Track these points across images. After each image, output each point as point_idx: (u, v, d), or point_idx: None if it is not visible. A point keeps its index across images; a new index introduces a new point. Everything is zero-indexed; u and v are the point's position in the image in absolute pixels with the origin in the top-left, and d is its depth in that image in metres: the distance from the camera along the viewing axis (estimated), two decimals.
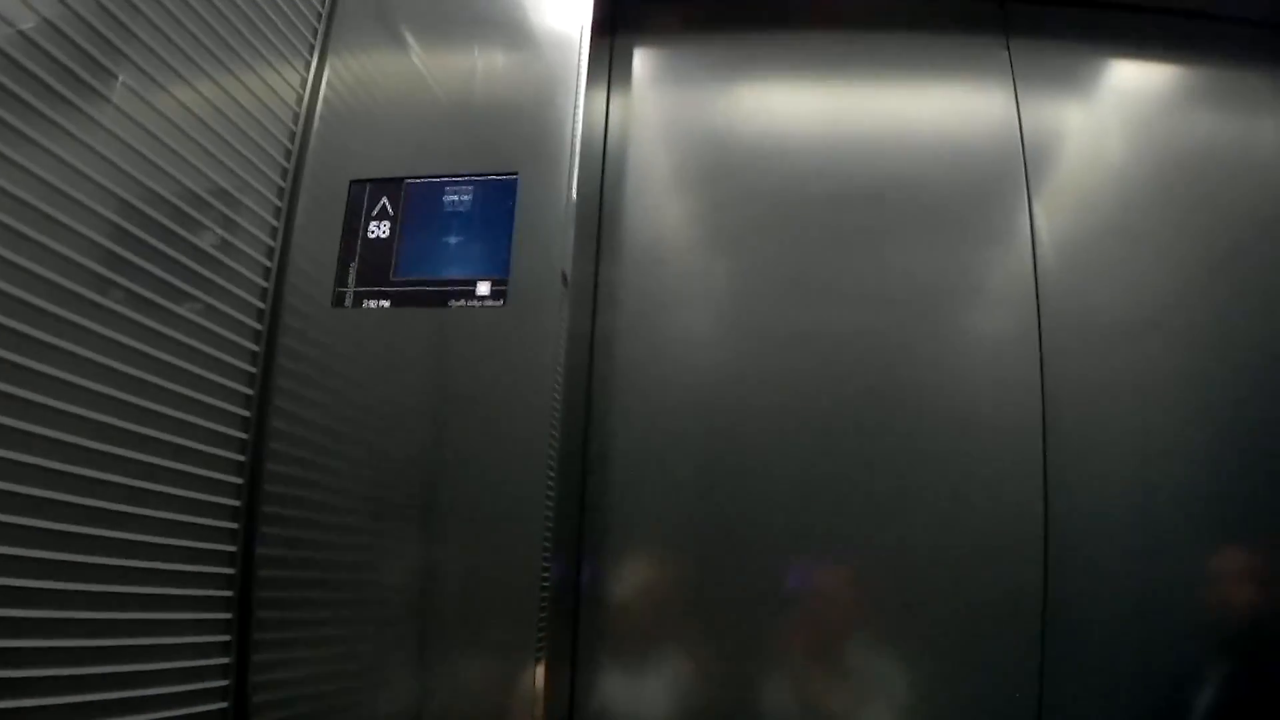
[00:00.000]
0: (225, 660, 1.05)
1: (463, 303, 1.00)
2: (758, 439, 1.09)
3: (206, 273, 1.00)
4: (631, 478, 1.09)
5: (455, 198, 1.03)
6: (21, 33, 0.77)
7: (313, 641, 1.03)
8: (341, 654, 1.02)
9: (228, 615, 1.04)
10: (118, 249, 0.89)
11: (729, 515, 1.08)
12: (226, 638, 1.04)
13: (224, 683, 1.04)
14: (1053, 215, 1.24)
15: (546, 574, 0.96)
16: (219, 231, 1.03)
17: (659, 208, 1.17)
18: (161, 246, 0.94)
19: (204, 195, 1.01)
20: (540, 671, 0.98)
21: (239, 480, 1.04)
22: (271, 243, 1.07)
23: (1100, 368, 1.20)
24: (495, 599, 0.98)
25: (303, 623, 1.03)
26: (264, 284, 1.06)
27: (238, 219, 1.05)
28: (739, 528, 1.08)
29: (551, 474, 0.98)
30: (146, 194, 0.93)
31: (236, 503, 1.04)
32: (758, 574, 1.07)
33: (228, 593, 1.04)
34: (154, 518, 0.95)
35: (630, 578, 1.07)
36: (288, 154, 1.10)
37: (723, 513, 1.08)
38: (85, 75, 0.84)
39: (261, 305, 1.06)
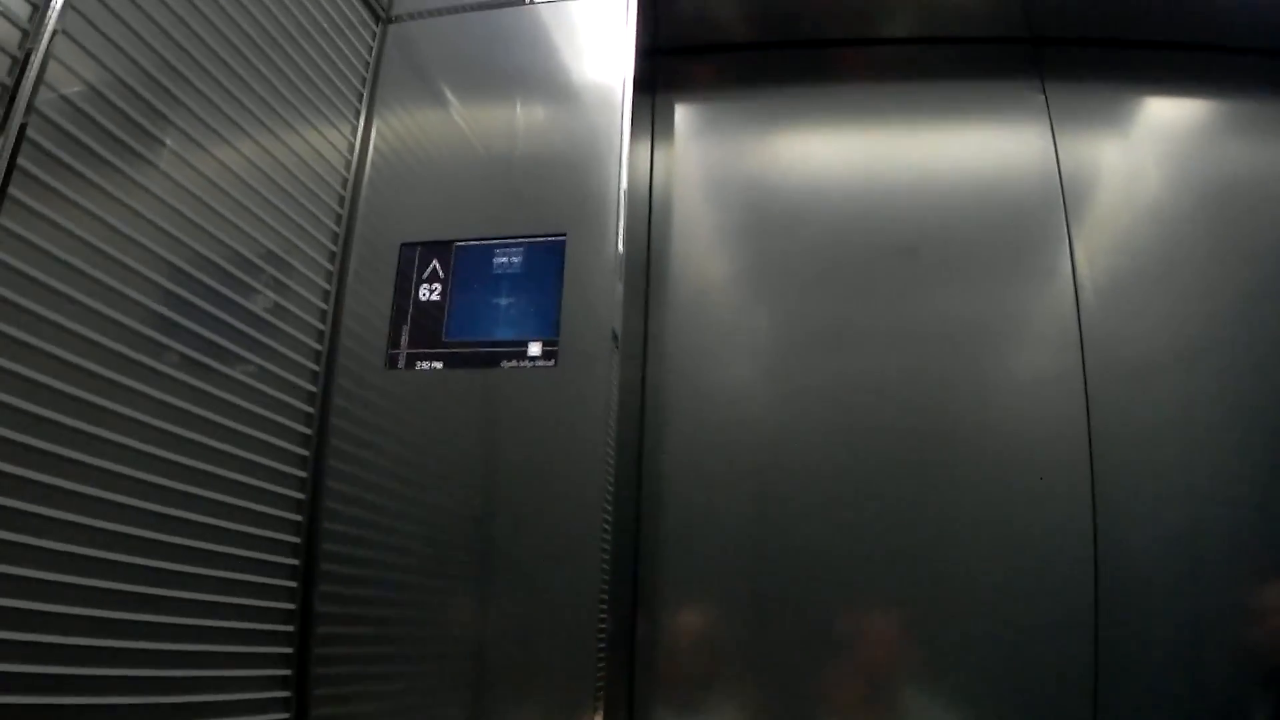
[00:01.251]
0: (285, 716, 1.06)
1: (514, 363, 1.02)
2: (806, 485, 1.10)
3: (260, 336, 1.03)
4: (683, 529, 1.10)
5: (505, 259, 1.05)
6: (66, 98, 0.79)
7: (371, 696, 1.04)
8: (399, 708, 1.03)
9: (286, 671, 1.06)
10: (171, 314, 0.91)
11: (780, 562, 1.09)
12: (286, 694, 1.06)
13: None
14: (1093, 253, 1.24)
15: (603, 627, 0.97)
16: (271, 295, 1.05)
17: (704, 260, 1.18)
18: (215, 310, 0.96)
19: (255, 259, 1.03)
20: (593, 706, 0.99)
21: (296, 539, 1.06)
22: (323, 305, 1.10)
23: (1145, 403, 1.20)
24: (553, 652, 0.99)
25: (361, 678, 1.05)
26: (317, 346, 1.08)
27: (289, 282, 1.07)
28: (790, 574, 1.08)
29: (607, 529, 0.99)
30: (198, 258, 0.95)
31: (294, 561, 1.06)
32: (810, 620, 1.07)
33: (286, 649, 1.06)
34: (212, 577, 0.96)
35: (684, 627, 1.08)
36: (337, 217, 1.13)
37: (774, 559, 1.09)
38: (133, 142, 0.86)
39: (315, 367, 1.08)
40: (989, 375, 1.16)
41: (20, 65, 0.74)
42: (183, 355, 0.94)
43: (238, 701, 1.00)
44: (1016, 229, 1.21)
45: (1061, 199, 1.25)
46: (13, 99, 0.73)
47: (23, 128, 0.73)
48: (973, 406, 1.14)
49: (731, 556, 1.11)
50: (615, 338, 1.02)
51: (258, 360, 1.03)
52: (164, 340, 0.91)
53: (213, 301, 0.97)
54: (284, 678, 1.06)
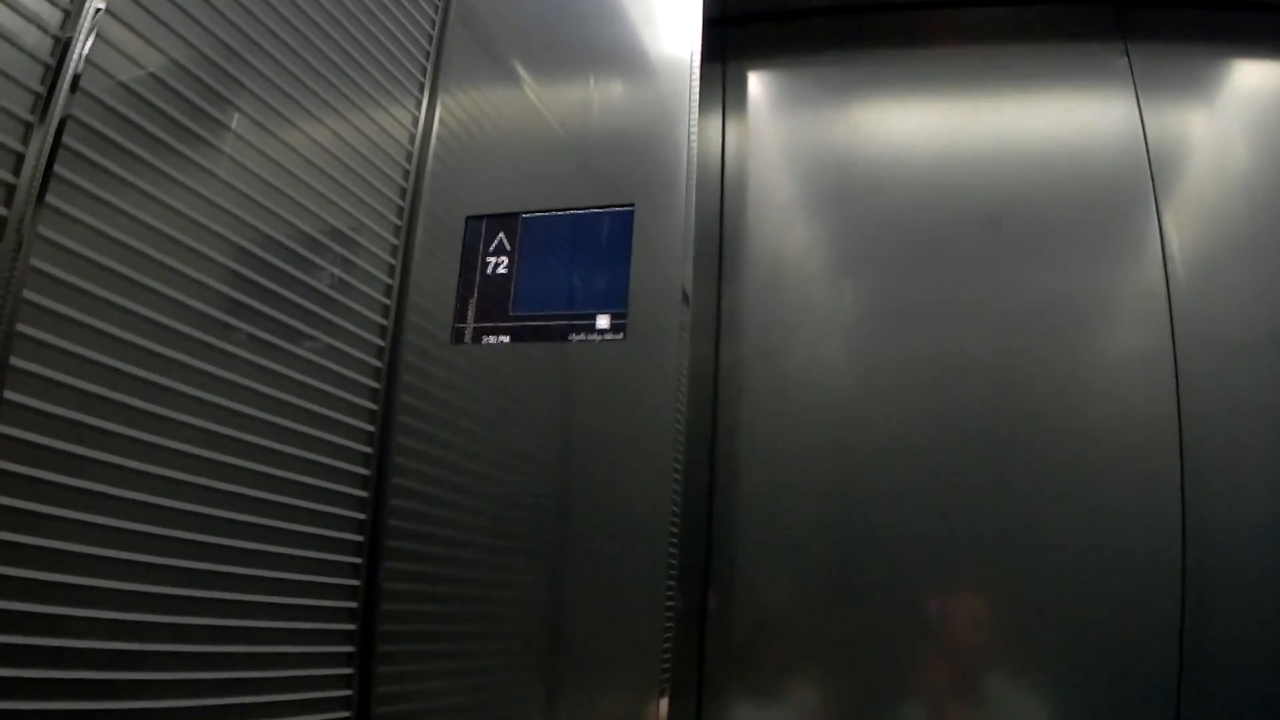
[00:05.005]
0: (348, 692, 1.05)
1: (583, 336, 1.00)
2: (887, 465, 1.06)
3: (326, 313, 1.02)
4: (758, 508, 1.07)
5: (572, 231, 1.03)
6: (128, 86, 0.79)
7: (436, 674, 1.03)
8: (464, 687, 1.01)
9: (350, 648, 1.05)
10: (237, 293, 0.91)
11: (857, 542, 1.05)
12: (349, 670, 1.05)
13: (346, 714, 1.05)
14: (1182, 225, 1.18)
15: (670, 606, 0.95)
16: (336, 272, 1.04)
17: (780, 233, 1.15)
18: (280, 289, 0.96)
19: (320, 237, 1.03)
20: (664, 704, 0.96)
21: (362, 515, 1.05)
22: (389, 280, 1.09)
23: (1237, 383, 1.14)
24: (620, 630, 0.97)
25: (426, 655, 1.03)
26: (383, 321, 1.07)
27: (355, 258, 1.06)
28: (867, 555, 1.04)
29: (676, 505, 0.96)
30: (262, 239, 0.94)
31: (360, 538, 1.05)
32: (887, 602, 1.03)
33: (350, 626, 1.05)
34: (279, 554, 0.96)
35: (757, 608, 1.04)
36: (402, 192, 1.12)
37: (851, 540, 1.05)
38: (196, 126, 0.86)
39: (381, 343, 1.07)
40: (1075, 352, 1.10)
41: (61, 47, 0.73)
42: (249, 334, 0.93)
43: (301, 678, 1.00)
44: (1102, 199, 1.16)
45: (1148, 167, 1.18)
46: (54, 85, 0.73)
47: (66, 117, 0.73)
48: (1059, 384, 1.09)
49: (808, 537, 1.07)
50: (686, 306, 0.99)
51: (324, 337, 1.02)
52: (230, 320, 0.90)
53: (278, 280, 0.96)
54: (348, 654, 1.05)
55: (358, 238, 1.07)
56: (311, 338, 1.01)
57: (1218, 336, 1.16)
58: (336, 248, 1.04)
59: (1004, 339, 1.09)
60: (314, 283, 1.00)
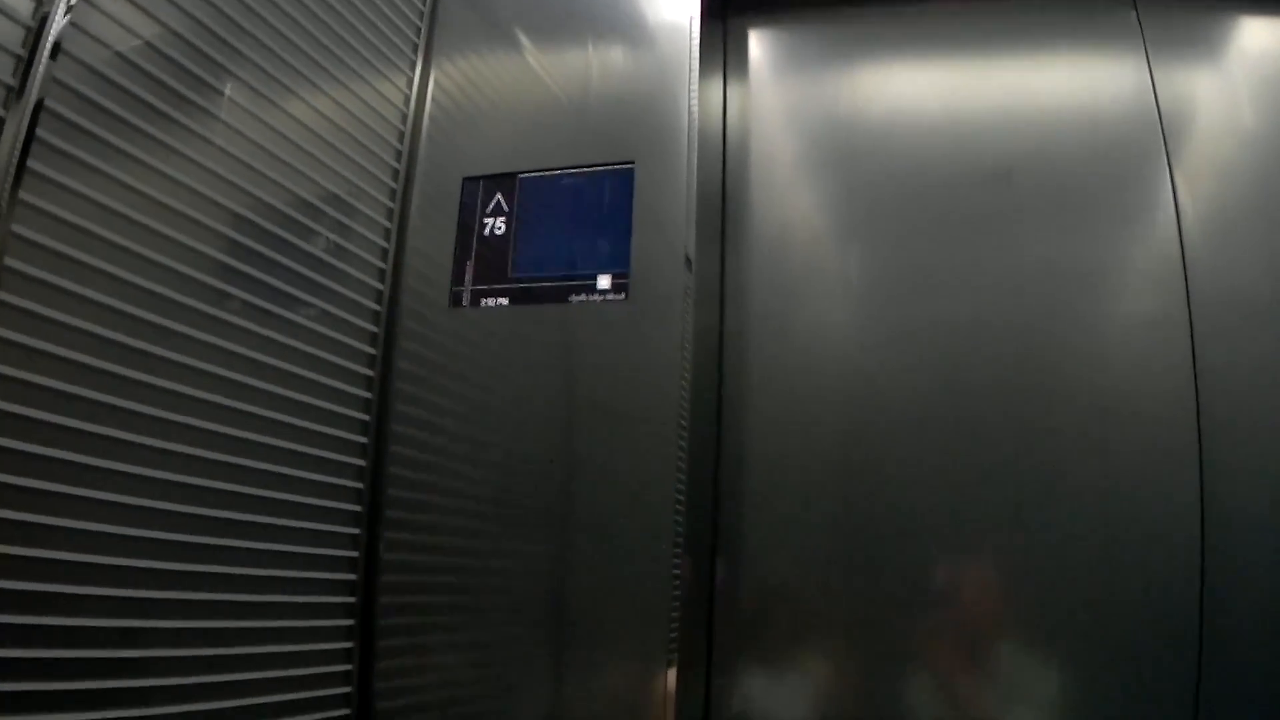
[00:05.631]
0: (347, 667, 1.03)
1: (583, 297, 0.97)
2: (896, 433, 1.03)
3: (321, 279, 1.00)
4: (765, 474, 1.04)
5: (571, 190, 1.01)
6: (121, 55, 0.78)
7: (438, 647, 1.00)
8: (467, 659, 0.99)
9: (350, 621, 1.03)
10: (232, 261, 0.89)
11: (868, 513, 1.02)
12: (349, 644, 1.03)
13: (346, 689, 1.03)
14: (1195, 187, 1.15)
15: (678, 574, 0.92)
16: (331, 237, 1.02)
17: (784, 196, 1.12)
18: (275, 255, 0.94)
19: (315, 202, 1.01)
20: (672, 675, 0.94)
21: (360, 485, 1.03)
22: (385, 244, 1.06)
23: (1255, 348, 1.11)
24: (625, 601, 0.94)
25: (428, 628, 1.01)
26: (379, 286, 1.05)
27: (350, 223, 1.04)
28: (878, 526, 1.02)
29: (681, 470, 0.94)
30: (257, 204, 0.92)
31: (358, 507, 1.03)
32: (899, 573, 1.01)
33: (350, 599, 1.03)
34: (274, 525, 0.94)
35: (765, 577, 1.02)
36: (398, 155, 1.09)
37: (861, 510, 1.02)
38: (191, 93, 0.85)
39: (377, 308, 1.04)
40: (1088, 315, 1.07)
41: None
42: (243, 302, 0.91)
43: (300, 652, 0.98)
44: (1113, 160, 1.13)
45: (1160, 127, 1.16)
46: (35, 50, 0.71)
47: (51, 81, 0.71)
48: (1072, 349, 1.06)
49: (817, 506, 1.04)
50: (689, 267, 0.97)
51: (319, 303, 1.00)
52: (223, 287, 0.88)
53: (273, 247, 0.94)
54: (348, 628, 1.03)
55: (353, 202, 1.05)
56: (307, 304, 0.99)
57: (1234, 297, 1.13)
58: (331, 213, 1.02)
59: (1015, 302, 1.06)
60: (310, 248, 0.98)
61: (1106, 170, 1.11)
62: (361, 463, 1.03)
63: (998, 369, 1.05)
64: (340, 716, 1.03)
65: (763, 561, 1.01)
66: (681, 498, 0.96)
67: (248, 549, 0.91)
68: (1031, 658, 1.01)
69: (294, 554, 0.97)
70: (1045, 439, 1.03)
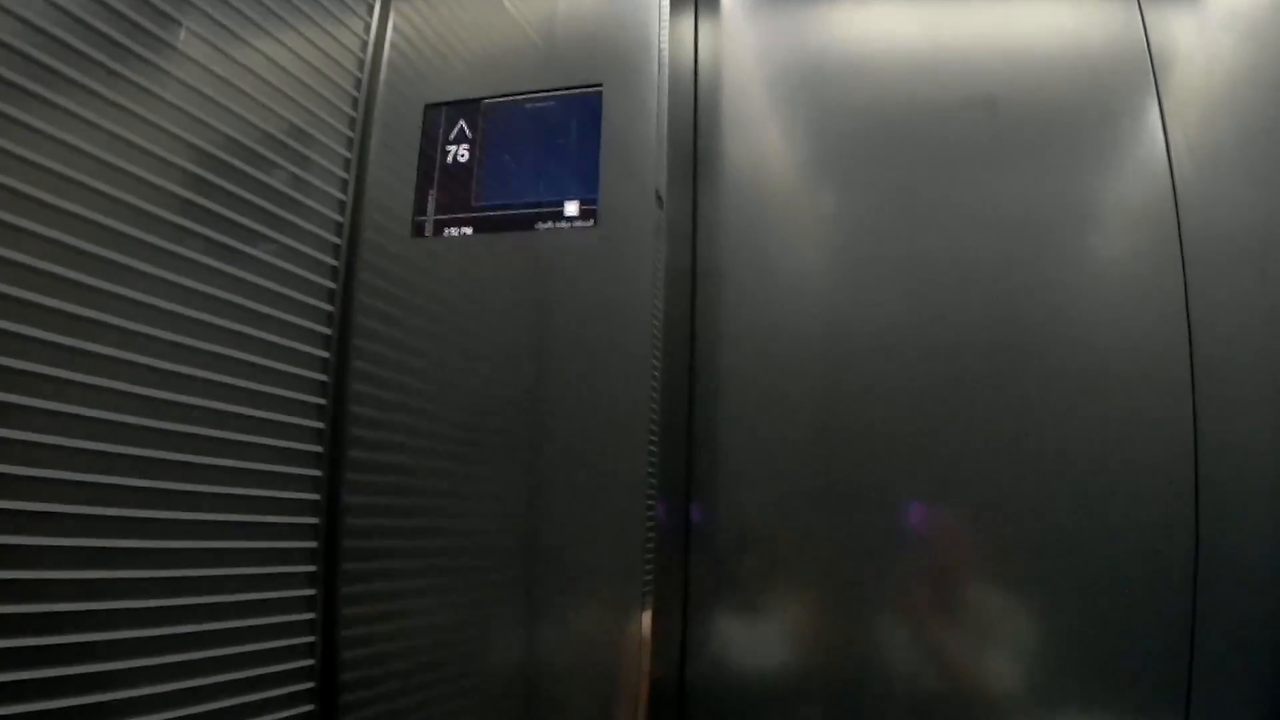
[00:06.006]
0: (310, 615, 0.99)
1: (550, 225, 0.93)
2: (877, 371, 0.99)
3: (280, 211, 0.95)
4: (742, 415, 1.00)
5: (536, 115, 0.96)
6: None
7: (406, 593, 0.97)
8: (435, 605, 0.96)
9: (312, 568, 0.99)
10: (187, 194, 0.85)
11: (848, 453, 0.98)
12: (311, 591, 0.99)
13: (310, 639, 0.99)
14: (1187, 122, 1.11)
15: (652, 516, 0.89)
16: (289, 168, 0.97)
17: (758, 130, 1.07)
18: (231, 188, 0.90)
19: (273, 133, 0.96)
20: (647, 619, 0.90)
21: (321, 425, 0.99)
22: (344, 175, 1.02)
23: (1249, 288, 1.07)
24: (600, 543, 0.91)
25: (394, 573, 0.97)
26: (338, 218, 1.01)
27: (309, 153, 1.00)
28: (859, 466, 0.98)
29: (655, 410, 0.90)
30: (214, 136, 0.88)
31: (318, 448, 0.99)
32: (880, 515, 0.97)
33: (312, 544, 0.99)
34: (233, 468, 0.90)
35: (742, 520, 0.98)
36: (358, 84, 1.05)
37: (841, 450, 0.99)
38: (148, 23, 0.81)
39: (336, 241, 1.00)
40: (1074, 254, 1.04)
41: None
42: (198, 236, 0.87)
43: (260, 601, 0.94)
44: (1098, 91, 1.09)
45: (1149, 56, 1.12)
46: None
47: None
48: (1059, 285, 1.03)
49: (796, 447, 1.01)
50: (660, 201, 0.93)
51: (278, 237, 0.96)
52: (181, 221, 0.84)
53: (230, 180, 0.90)
54: (310, 574, 0.99)
55: (312, 132, 1.00)
56: (263, 238, 0.94)
57: (1228, 236, 1.09)
58: (290, 143, 0.98)
59: (999, 238, 1.02)
60: (268, 180, 0.94)
61: (1092, 102, 1.08)
62: (321, 401, 0.99)
63: (982, 304, 1.01)
64: (304, 667, 0.99)
65: (739, 503, 0.98)
66: (655, 436, 0.92)
67: (205, 493, 0.87)
68: (1016, 602, 0.98)
69: (253, 498, 0.93)
70: (1032, 375, 1.00)
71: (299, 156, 0.98)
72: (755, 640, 0.95)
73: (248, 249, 0.92)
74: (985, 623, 0.99)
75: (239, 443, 0.90)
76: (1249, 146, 1.12)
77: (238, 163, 0.92)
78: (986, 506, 0.99)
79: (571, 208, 0.93)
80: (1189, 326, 1.05)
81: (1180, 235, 1.08)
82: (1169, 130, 1.10)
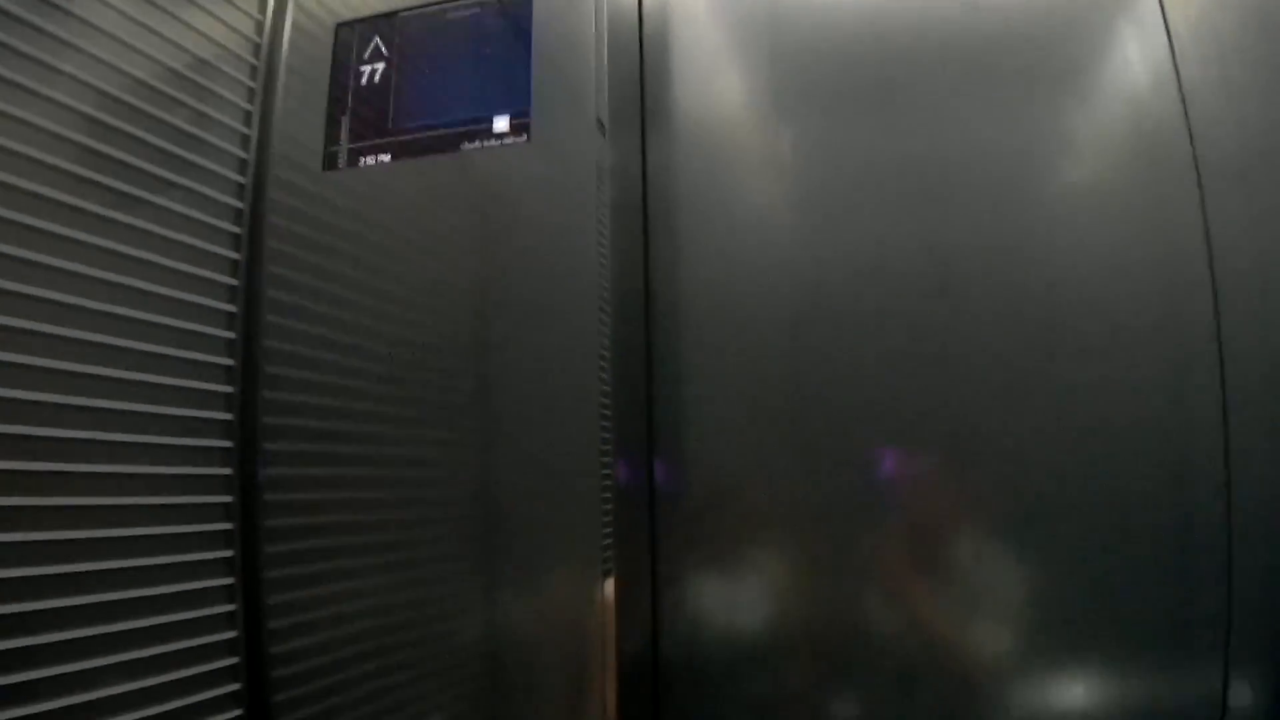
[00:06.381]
0: (231, 607, 0.87)
1: (478, 144, 0.82)
2: (851, 312, 0.87)
3: (176, 149, 0.84)
4: (703, 366, 0.88)
5: (459, 27, 0.85)
6: None
7: (337, 574, 0.85)
8: (372, 585, 0.84)
9: (229, 552, 0.87)
10: (83, 139, 0.75)
11: (821, 399, 0.86)
12: (229, 580, 0.87)
13: (232, 634, 0.87)
14: (1189, 16, 0.99)
15: (608, 475, 0.78)
16: (195, 104, 0.86)
17: (712, 70, 0.94)
18: (130, 129, 0.79)
19: (174, 67, 0.85)
20: (610, 588, 0.79)
21: (230, 389, 0.87)
22: (249, 107, 0.90)
23: (1268, 192, 0.95)
24: (550, 508, 0.80)
25: (323, 552, 0.85)
26: (243, 155, 0.89)
27: (213, 86, 0.88)
28: (834, 414, 0.86)
29: (606, 348, 0.79)
30: (117, 78, 0.78)
31: (229, 416, 0.87)
32: (861, 465, 0.85)
33: (227, 525, 0.87)
34: (134, 444, 0.79)
35: (711, 476, 0.86)
36: (261, 5, 0.93)
37: (814, 396, 0.86)
38: None
39: (240, 179, 0.88)
40: (1073, 177, 0.91)
41: None
42: (92, 183, 0.76)
43: (167, 596, 0.82)
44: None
45: None
46: None
47: None
48: (1052, 215, 0.90)
49: (764, 396, 0.88)
50: (602, 135, 0.81)
51: (174, 178, 0.84)
52: (73, 169, 0.74)
53: (130, 121, 0.79)
54: (225, 560, 0.87)
55: (214, 62, 0.89)
56: (165, 183, 0.83)
57: (1245, 145, 0.97)
58: (193, 76, 0.86)
59: (986, 164, 0.89)
60: (167, 116, 0.82)
61: (1085, 11, 0.96)
62: (229, 362, 0.87)
63: (967, 241, 0.89)
64: (227, 667, 0.87)
65: (707, 458, 0.86)
66: (608, 388, 0.81)
67: (95, 474, 0.76)
68: (1020, 554, 0.85)
69: (154, 476, 0.82)
70: (1034, 313, 0.87)
71: (200, 90, 0.87)
72: (733, 605, 0.83)
73: (146, 195, 0.81)
74: (986, 579, 0.86)
75: (134, 414, 0.79)
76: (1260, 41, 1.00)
77: (135, 101, 0.80)
78: (980, 452, 0.86)
79: (501, 123, 0.81)
80: (1208, 243, 0.93)
81: (1193, 147, 0.96)
82: (1170, 24, 0.99)
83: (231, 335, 0.87)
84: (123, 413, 0.77)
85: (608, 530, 0.81)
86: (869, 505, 0.85)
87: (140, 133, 0.80)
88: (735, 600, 0.83)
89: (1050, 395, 0.86)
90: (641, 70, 0.97)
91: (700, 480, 0.88)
